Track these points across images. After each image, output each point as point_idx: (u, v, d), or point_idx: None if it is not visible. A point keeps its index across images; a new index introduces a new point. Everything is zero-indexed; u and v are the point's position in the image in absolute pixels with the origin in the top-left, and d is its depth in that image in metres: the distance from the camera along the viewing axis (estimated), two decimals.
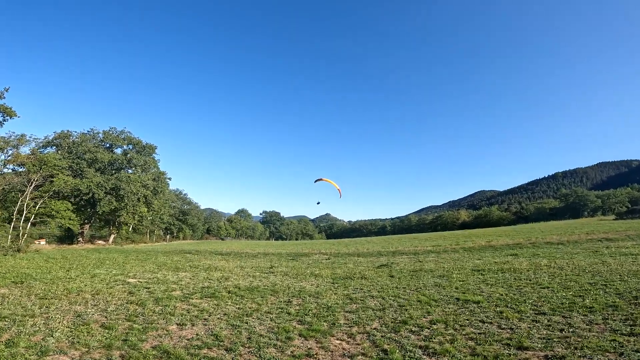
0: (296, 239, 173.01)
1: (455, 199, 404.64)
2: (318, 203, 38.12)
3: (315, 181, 32.00)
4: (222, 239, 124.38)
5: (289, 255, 32.89)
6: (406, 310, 9.81)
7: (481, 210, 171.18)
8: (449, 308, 9.88)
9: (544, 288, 11.65)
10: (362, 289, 13.50)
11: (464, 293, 11.58)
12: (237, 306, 10.94)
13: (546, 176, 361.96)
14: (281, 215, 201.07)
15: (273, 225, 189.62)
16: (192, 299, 12.10)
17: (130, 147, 55.48)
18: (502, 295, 11.02)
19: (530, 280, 13.26)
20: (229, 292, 13.35)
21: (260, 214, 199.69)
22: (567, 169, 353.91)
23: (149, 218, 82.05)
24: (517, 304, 9.86)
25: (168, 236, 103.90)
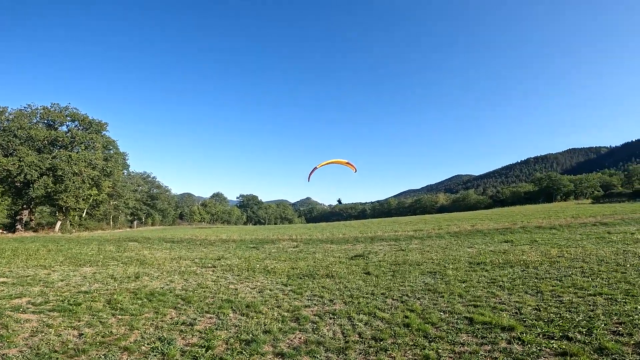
0: (275, 224, 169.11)
1: (433, 183, 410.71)
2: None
3: (313, 172, 26.87)
4: (190, 225, 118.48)
5: (252, 243, 28.69)
6: (386, 351, 5.76)
7: (459, 194, 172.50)
8: (463, 341, 5.98)
9: (593, 295, 8.04)
10: (321, 298, 9.51)
11: (475, 306, 7.78)
12: (83, 330, 6.77)
13: (519, 161, 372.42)
14: (259, 199, 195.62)
15: (250, 210, 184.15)
16: (25, 312, 7.87)
17: (76, 125, 48.69)
18: (537, 311, 7.25)
19: (556, 279, 9.70)
20: (110, 301, 9.15)
21: (237, 197, 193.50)
22: (539, 155, 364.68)
23: (111, 203, 75.47)
24: (581, 331, 6.01)
25: (135, 222, 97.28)
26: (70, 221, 55.55)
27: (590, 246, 16.06)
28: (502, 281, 9.97)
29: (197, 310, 8.45)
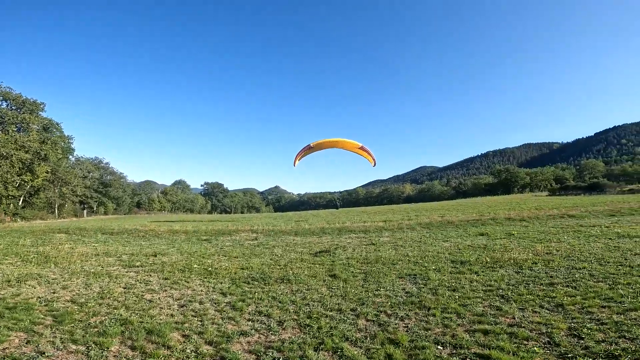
0: (242, 212, 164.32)
1: (400, 173, 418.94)
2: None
3: (303, 154, 20.83)
4: (148, 214, 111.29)
5: (206, 234, 25.57)
6: None
7: (424, 185, 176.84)
8: None
9: (634, 309, 6.17)
10: (268, 318, 7.04)
11: (485, 333, 5.60)
12: None
13: (479, 154, 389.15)
14: (225, 187, 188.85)
15: (216, 198, 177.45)
16: None
17: (8, 104, 42.14)
18: (578, 338, 5.25)
19: (566, 285, 7.84)
20: None
21: (202, 185, 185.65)
22: (497, 149, 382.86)
23: (56, 190, 67.79)
24: None
25: (85, 211, 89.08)
26: (4, 210, 48.76)
27: (573, 241, 14.85)
28: (501, 288, 7.99)
29: (62, 337, 5.71)
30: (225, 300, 8.24)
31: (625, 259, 10.18)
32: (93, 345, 5.51)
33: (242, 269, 11.96)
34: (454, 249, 14.33)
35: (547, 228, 20.92)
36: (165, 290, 9.21)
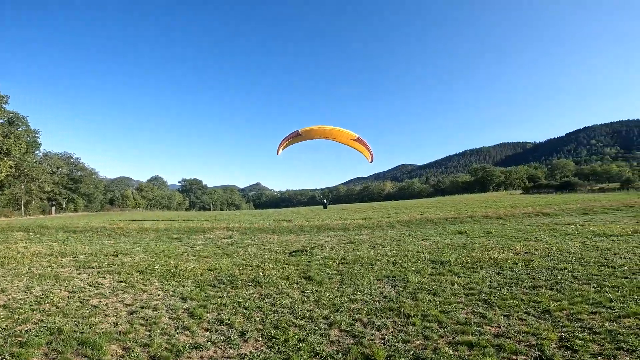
0: (221, 209, 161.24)
1: (380, 171, 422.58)
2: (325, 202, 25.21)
3: (289, 142, 16.96)
4: (122, 211, 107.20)
5: (178, 232, 24.33)
6: None
7: (404, 182, 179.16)
8: None
9: (626, 316, 5.76)
10: (229, 328, 6.30)
11: (470, 346, 5.07)
12: None
13: (457, 153, 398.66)
14: (204, 183, 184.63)
15: (194, 195, 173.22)
16: None
17: None
18: (571, 351, 4.79)
19: (550, 288, 7.46)
20: None
21: (180, 182, 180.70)
22: (474, 148, 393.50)
23: (22, 186, 63.66)
24: None
25: (53, 209, 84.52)
26: None
27: (551, 239, 14.77)
28: (483, 291, 7.53)
29: None
30: (184, 307, 7.43)
31: (606, 259, 9.99)
32: (8, 358, 4.62)
33: (210, 270, 11.11)
34: (434, 248, 13.96)
35: (524, 226, 21.02)
36: (117, 295, 8.28)
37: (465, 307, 6.64)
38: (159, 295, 8.37)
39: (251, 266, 11.66)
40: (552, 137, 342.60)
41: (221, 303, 7.66)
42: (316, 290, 8.47)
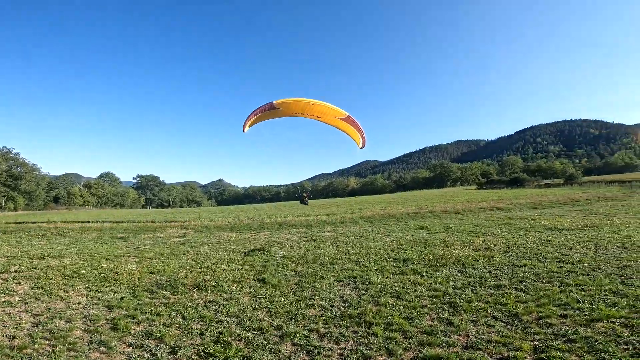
0: (181, 207, 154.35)
1: (345, 167, 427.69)
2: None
3: (259, 116, 14.23)
4: (68, 210, 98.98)
5: (125, 231, 22.27)
6: None
7: (367, 178, 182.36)
8: None
9: (597, 319, 5.45)
10: (158, 343, 5.38)
11: None
12: None
13: (418, 150, 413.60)
14: (161, 180, 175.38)
15: (150, 192, 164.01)
16: None
17: None
18: None
19: (514, 287, 7.21)
20: None
21: (134, 178, 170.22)
22: (433, 145, 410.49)
23: None
24: None
25: None
26: None
27: (507, 234, 15.04)
28: (448, 293, 7.12)
29: None
30: (108, 317, 6.34)
31: (563, 255, 10.07)
32: None
33: (151, 273, 9.90)
34: (396, 244, 13.63)
35: (481, 221, 21.48)
36: (27, 303, 7.00)
37: (431, 312, 6.17)
38: (79, 303, 7.16)
39: (200, 268, 10.57)
40: (503, 136, 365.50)
41: (155, 312, 6.64)
42: (270, 295, 7.64)
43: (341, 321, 5.97)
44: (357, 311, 6.35)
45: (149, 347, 5.23)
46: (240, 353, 4.95)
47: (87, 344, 5.29)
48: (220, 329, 5.82)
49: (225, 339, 5.44)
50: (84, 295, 7.84)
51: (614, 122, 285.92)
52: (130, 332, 5.71)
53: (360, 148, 16.79)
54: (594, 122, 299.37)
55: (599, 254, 9.85)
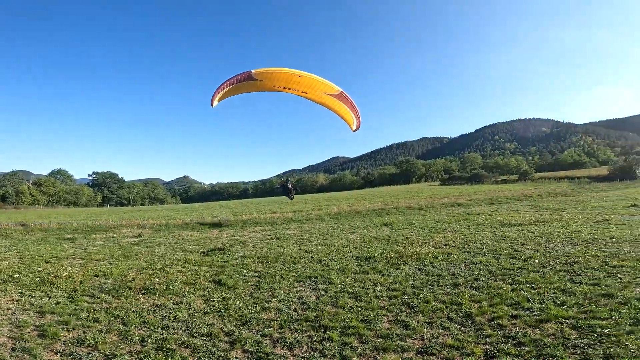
0: (142, 204, 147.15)
1: (314, 163, 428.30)
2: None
3: (232, 91, 12.42)
4: (16, 209, 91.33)
5: (75, 232, 20.70)
6: None
7: (336, 175, 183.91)
8: None
9: (546, 320, 5.45)
10: (92, 352, 5.09)
11: None
12: None
13: (385, 146, 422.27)
14: (120, 177, 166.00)
15: (108, 189, 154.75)
16: None
17: None
18: None
19: (469, 286, 7.33)
20: None
21: (90, 175, 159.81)
22: (400, 141, 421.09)
23: None
24: None
25: None
26: None
27: (465, 230, 15.48)
28: (407, 293, 7.08)
29: None
30: (38, 323, 5.80)
31: (516, 251, 10.39)
32: None
33: (96, 276, 9.18)
34: (360, 241, 13.61)
35: (442, 217, 22.04)
36: None
37: (388, 314, 6.07)
38: (8, 309, 6.56)
39: (152, 270, 9.93)
40: (464, 133, 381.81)
41: (92, 318, 6.10)
42: (224, 298, 7.26)
43: (297, 325, 5.73)
44: (315, 314, 6.14)
45: (79, 355, 4.89)
46: None
47: (9, 351, 4.83)
48: (164, 335, 5.44)
49: (169, 346, 5.09)
50: (15, 300, 7.17)
51: (565, 122, 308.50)
52: (60, 339, 5.27)
53: (354, 130, 15.10)
54: (547, 121, 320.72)
55: (549, 250, 10.26)
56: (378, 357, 4.60)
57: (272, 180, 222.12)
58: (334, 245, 12.93)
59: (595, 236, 11.83)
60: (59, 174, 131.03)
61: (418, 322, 5.61)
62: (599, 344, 4.64)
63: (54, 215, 41.98)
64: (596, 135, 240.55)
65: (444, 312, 5.98)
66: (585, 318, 5.47)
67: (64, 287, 8.11)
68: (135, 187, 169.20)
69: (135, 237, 18.23)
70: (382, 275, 8.54)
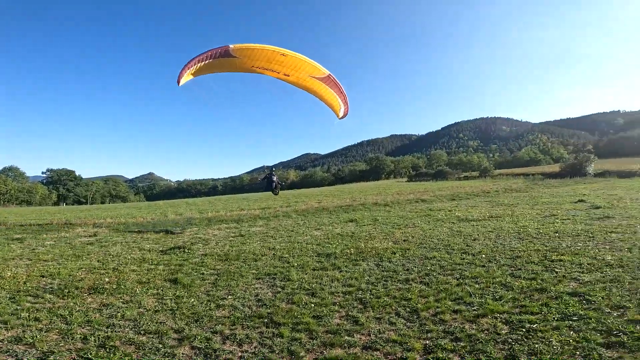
0: (102, 202, 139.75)
1: (285, 160, 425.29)
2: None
3: (204, 69, 11.01)
4: None
5: (21, 231, 19.31)
6: None
7: (307, 171, 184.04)
8: None
9: (482, 315, 5.70)
10: (30, 349, 5.08)
11: None
12: None
13: (356, 143, 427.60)
14: (77, 174, 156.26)
15: (64, 187, 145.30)
16: None
17: None
18: None
19: (421, 282, 7.63)
20: None
21: (44, 172, 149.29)
22: (370, 138, 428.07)
23: None
24: None
25: None
26: None
27: (425, 225, 15.89)
28: (361, 288, 7.26)
29: None
30: None
31: (468, 246, 10.73)
32: None
33: (42, 276, 8.77)
34: (323, 238, 13.75)
35: (405, 212, 22.54)
36: None
37: (341, 310, 6.21)
38: None
39: (105, 269, 9.56)
40: (432, 131, 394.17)
41: (34, 317, 5.88)
42: (178, 296, 7.14)
43: (250, 322, 5.76)
44: (269, 310, 6.19)
45: (16, 352, 4.83)
46: (126, 357, 4.65)
47: None
48: (108, 334, 5.39)
49: (112, 343, 5.08)
50: None
51: (522, 120, 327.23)
52: None
53: (341, 117, 14.04)
54: (507, 120, 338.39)
55: (497, 245, 10.64)
56: (325, 353, 4.71)
57: (242, 177, 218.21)
58: (298, 242, 12.99)
59: (541, 231, 12.38)
60: (10, 172, 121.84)
61: (367, 318, 5.77)
62: (525, 340, 4.80)
63: (5, 215, 38.87)
64: (551, 134, 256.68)
65: (393, 307, 6.17)
66: (517, 313, 5.66)
67: (6, 287, 7.72)
68: (95, 184, 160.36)
69: (90, 236, 17.34)
70: (341, 271, 8.71)
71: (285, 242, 13.31)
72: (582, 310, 5.53)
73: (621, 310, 5.45)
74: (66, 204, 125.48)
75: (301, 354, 4.68)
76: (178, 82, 10.71)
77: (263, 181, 18.41)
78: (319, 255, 10.58)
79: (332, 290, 7.23)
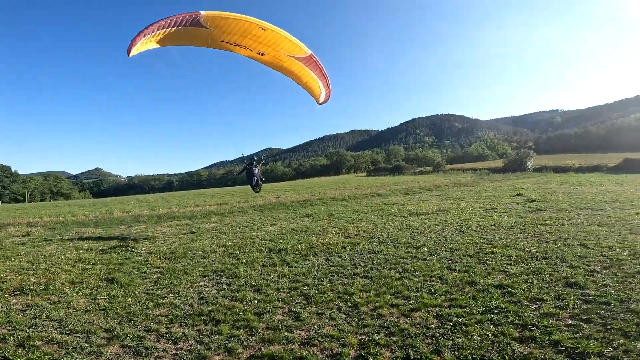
0: (42, 200, 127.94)
1: (246, 155, 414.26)
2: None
3: (165, 38, 9.03)
4: None
5: None
6: None
7: (268, 166, 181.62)
8: None
9: (416, 309, 5.83)
10: None
11: (272, 358, 4.46)
12: None
13: (317, 138, 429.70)
14: (14, 170, 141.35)
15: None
16: None
17: None
18: None
19: (365, 276, 7.82)
20: None
21: None
22: (332, 133, 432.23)
23: None
24: None
25: None
26: None
27: (378, 220, 16.14)
28: (307, 284, 7.30)
29: None
30: None
31: (414, 239, 10.95)
32: None
33: None
34: (277, 234, 13.67)
35: (361, 207, 22.87)
36: None
37: (284, 306, 6.23)
38: None
39: (34, 270, 8.81)
40: (390, 126, 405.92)
41: None
42: (113, 296, 6.79)
43: (188, 320, 5.62)
44: (210, 308, 6.07)
45: None
46: (46, 357, 4.45)
47: None
48: (30, 334, 5.08)
49: (32, 343, 4.82)
50: None
51: (473, 118, 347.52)
52: None
53: (321, 103, 12.85)
54: (459, 117, 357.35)
55: (440, 238, 10.89)
56: (263, 349, 4.71)
57: (199, 172, 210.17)
58: (250, 238, 12.81)
59: (480, 224, 12.92)
60: None
61: (309, 314, 5.81)
62: (451, 334, 4.86)
63: None
64: (497, 130, 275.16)
65: (336, 302, 6.25)
66: (447, 307, 5.76)
67: None
68: (33, 180, 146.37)
69: (23, 236, 15.88)
70: (289, 267, 8.72)
71: (238, 238, 13.08)
72: (503, 304, 5.68)
73: (538, 303, 5.65)
74: (2, 202, 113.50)
75: (238, 351, 4.65)
76: (128, 51, 8.68)
77: (243, 173, 16.21)
78: (270, 251, 10.51)
79: (279, 286, 7.23)
